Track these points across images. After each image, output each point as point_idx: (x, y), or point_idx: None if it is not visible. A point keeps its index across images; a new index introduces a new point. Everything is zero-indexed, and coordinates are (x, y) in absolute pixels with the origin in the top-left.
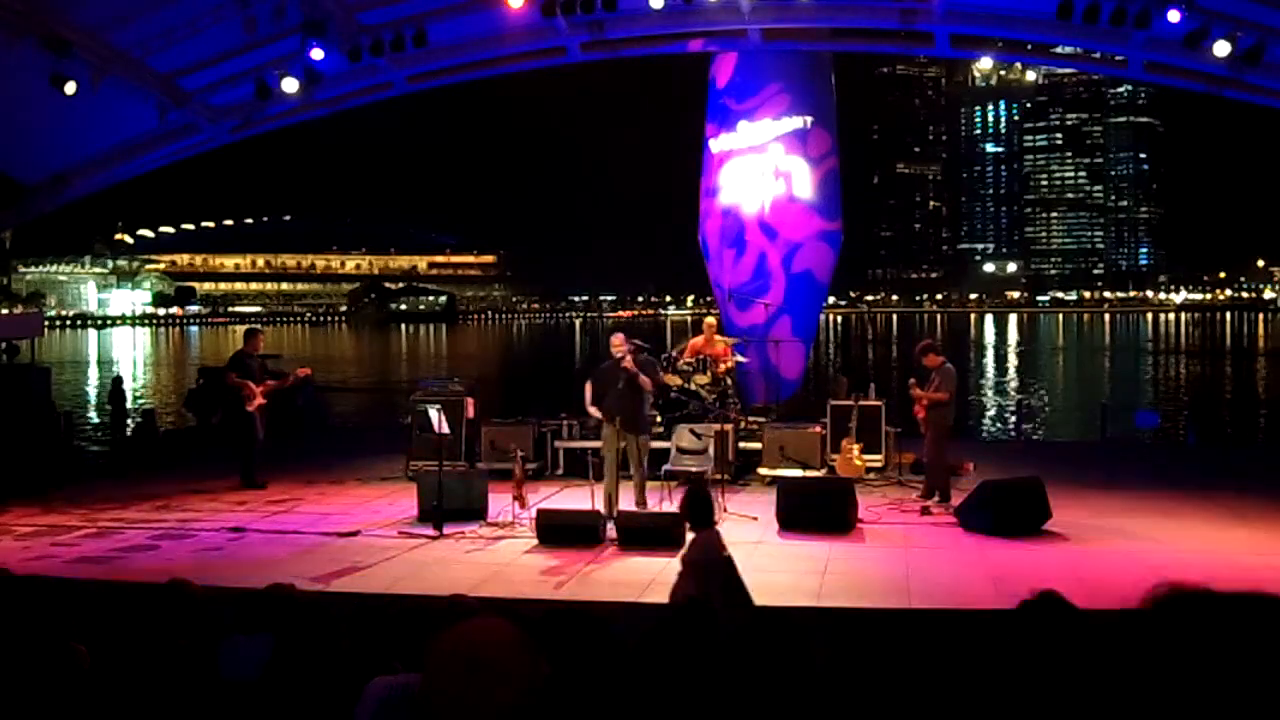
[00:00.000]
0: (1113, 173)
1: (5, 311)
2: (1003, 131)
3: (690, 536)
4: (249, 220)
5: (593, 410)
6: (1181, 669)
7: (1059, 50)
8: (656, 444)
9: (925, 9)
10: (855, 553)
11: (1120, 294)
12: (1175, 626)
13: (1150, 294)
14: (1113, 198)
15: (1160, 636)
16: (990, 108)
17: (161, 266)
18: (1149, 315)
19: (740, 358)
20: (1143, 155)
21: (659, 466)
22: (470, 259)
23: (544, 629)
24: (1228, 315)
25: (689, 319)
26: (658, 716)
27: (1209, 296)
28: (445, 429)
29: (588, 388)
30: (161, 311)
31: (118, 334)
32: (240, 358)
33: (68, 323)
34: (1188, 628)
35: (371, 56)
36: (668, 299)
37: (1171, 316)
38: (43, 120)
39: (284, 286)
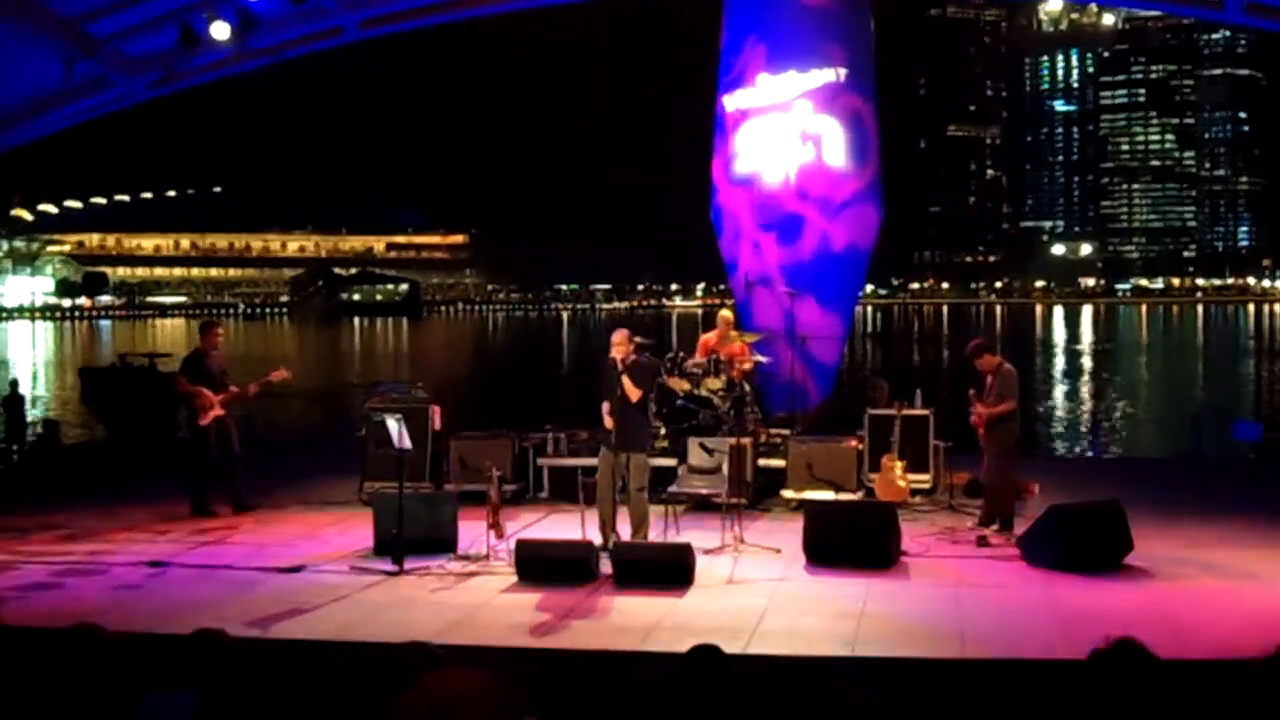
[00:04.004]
0: (1206, 136)
1: None
2: (1075, 87)
3: None
4: (171, 193)
5: (606, 417)
6: None
7: None
8: (662, 461)
9: None
10: (898, 592)
11: (1216, 281)
12: None
13: (1252, 281)
14: (1207, 166)
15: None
16: (1060, 58)
17: (67, 248)
18: (1250, 306)
19: (761, 358)
20: (1242, 115)
21: (663, 488)
22: (437, 239)
23: (544, 679)
24: None
25: (699, 312)
26: None
27: None
28: (407, 443)
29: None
30: (67, 303)
31: (13, 329)
32: (195, 358)
33: None
34: None
35: None
36: (673, 288)
37: (1278, 308)
38: None
39: (213, 273)
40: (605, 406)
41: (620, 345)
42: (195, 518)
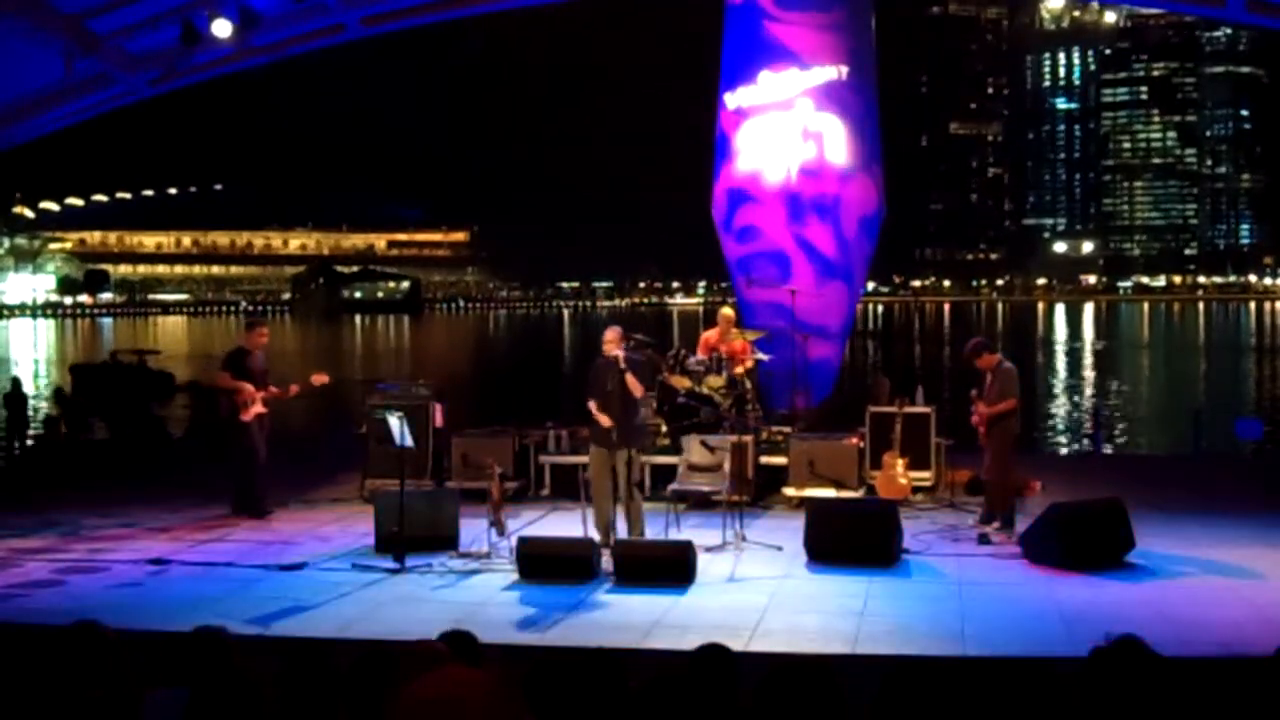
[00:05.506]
0: (1208, 133)
1: None
2: (1076, 84)
3: None
4: (172, 190)
5: (599, 415)
6: None
7: None
8: (663, 459)
9: None
10: (899, 589)
11: (1218, 279)
12: None
13: (1254, 278)
14: (1208, 163)
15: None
16: (1061, 55)
17: (68, 246)
18: (1252, 304)
19: (762, 355)
20: (1244, 112)
21: (664, 486)
22: (438, 237)
23: (542, 677)
24: None
25: (700, 309)
26: None
27: None
28: (408, 440)
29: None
30: (68, 300)
31: (15, 326)
32: (238, 355)
33: None
34: None
35: None
36: (675, 285)
37: (1279, 305)
38: None
39: (215, 270)
40: (594, 404)
41: (614, 343)
42: (244, 517)
